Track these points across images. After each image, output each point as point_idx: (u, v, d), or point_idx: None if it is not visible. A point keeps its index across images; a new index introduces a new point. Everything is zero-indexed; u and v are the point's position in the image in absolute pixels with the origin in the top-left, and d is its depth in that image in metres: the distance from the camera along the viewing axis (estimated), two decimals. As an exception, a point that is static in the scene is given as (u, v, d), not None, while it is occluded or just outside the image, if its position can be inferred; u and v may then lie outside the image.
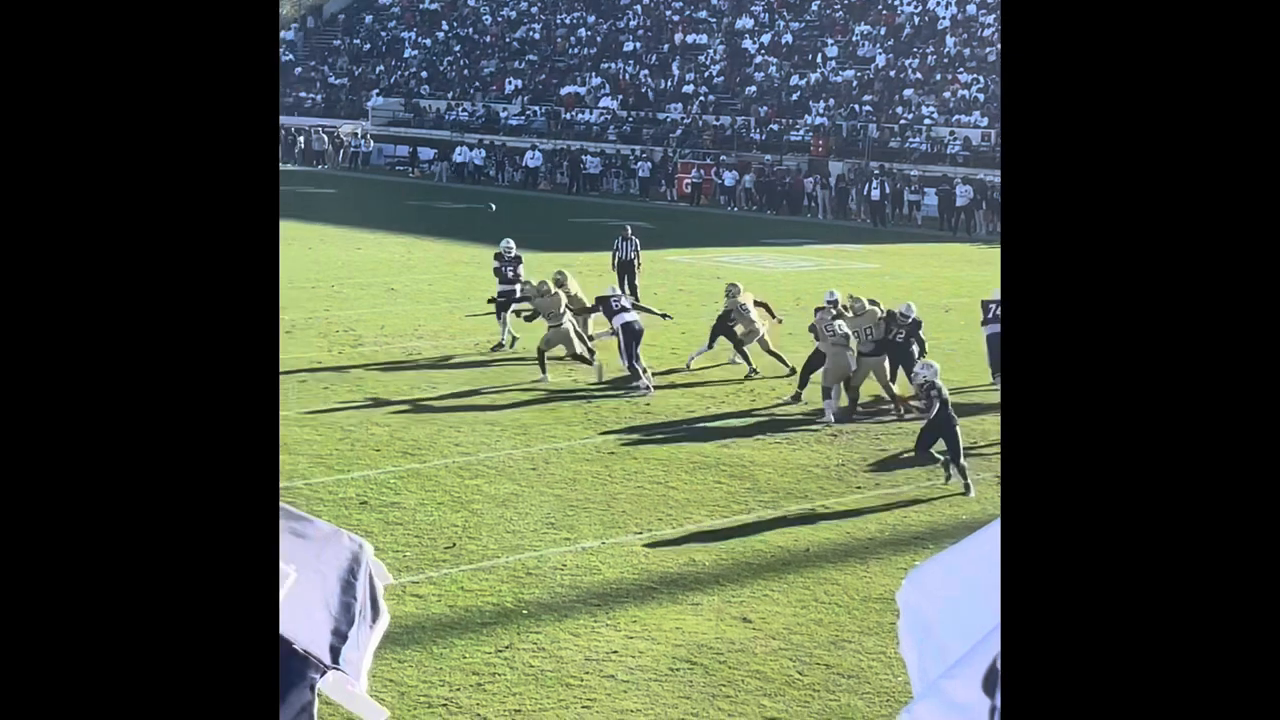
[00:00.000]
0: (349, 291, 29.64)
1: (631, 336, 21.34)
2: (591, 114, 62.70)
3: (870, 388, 20.68)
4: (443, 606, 12.97)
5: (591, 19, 70.93)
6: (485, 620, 12.74)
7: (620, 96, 63.14)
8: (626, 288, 28.88)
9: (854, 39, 60.92)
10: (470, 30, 75.21)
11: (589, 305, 23.02)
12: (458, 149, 60.59)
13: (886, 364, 20.21)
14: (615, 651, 12.00)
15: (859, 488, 16.88)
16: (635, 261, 28.97)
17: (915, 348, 20.33)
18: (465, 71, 70.94)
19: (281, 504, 4.66)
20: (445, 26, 76.45)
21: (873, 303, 20.56)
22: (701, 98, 60.79)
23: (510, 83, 68.02)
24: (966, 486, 16.50)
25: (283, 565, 4.17)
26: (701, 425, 19.61)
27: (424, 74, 72.23)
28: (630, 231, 29.37)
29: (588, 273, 32.81)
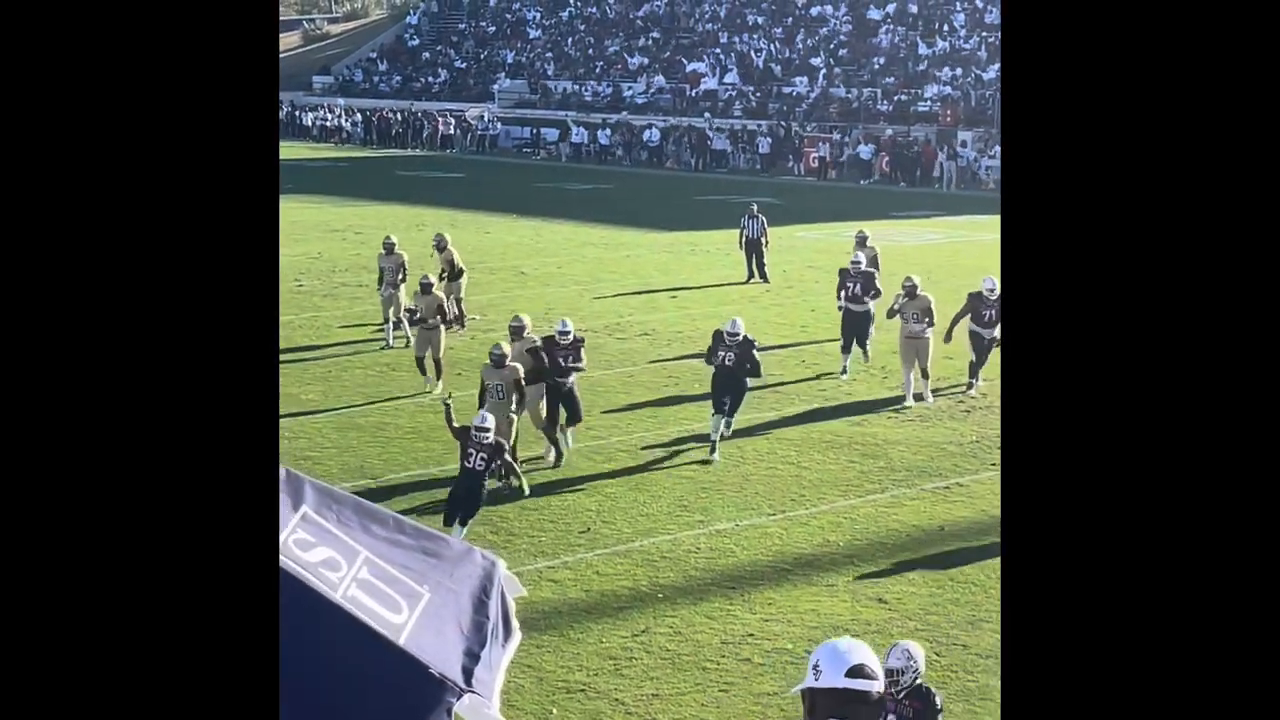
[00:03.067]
0: (479, 276, 29.88)
1: (558, 399, 17.27)
2: (717, 89, 62.53)
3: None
4: (578, 591, 13.09)
5: (715, -7, 70.72)
6: (621, 604, 12.83)
7: (745, 71, 62.88)
8: (755, 267, 28.77)
9: (980, 5, 60.04)
10: (594, 9, 75.34)
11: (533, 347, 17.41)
12: (575, 129, 60.74)
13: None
14: (751, 634, 12.03)
15: (994, 464, 16.71)
16: (763, 240, 28.84)
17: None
18: (590, 50, 71.09)
19: (416, 524, 4.74)
20: (570, 5, 76.65)
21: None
22: (827, 69, 60.34)
23: (634, 60, 68.04)
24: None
25: (416, 586, 4.24)
26: (834, 404, 19.54)
27: (549, 54, 72.50)
28: (756, 209, 29.24)
29: (715, 251, 32.79)
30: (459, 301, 24.32)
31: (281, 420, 18.76)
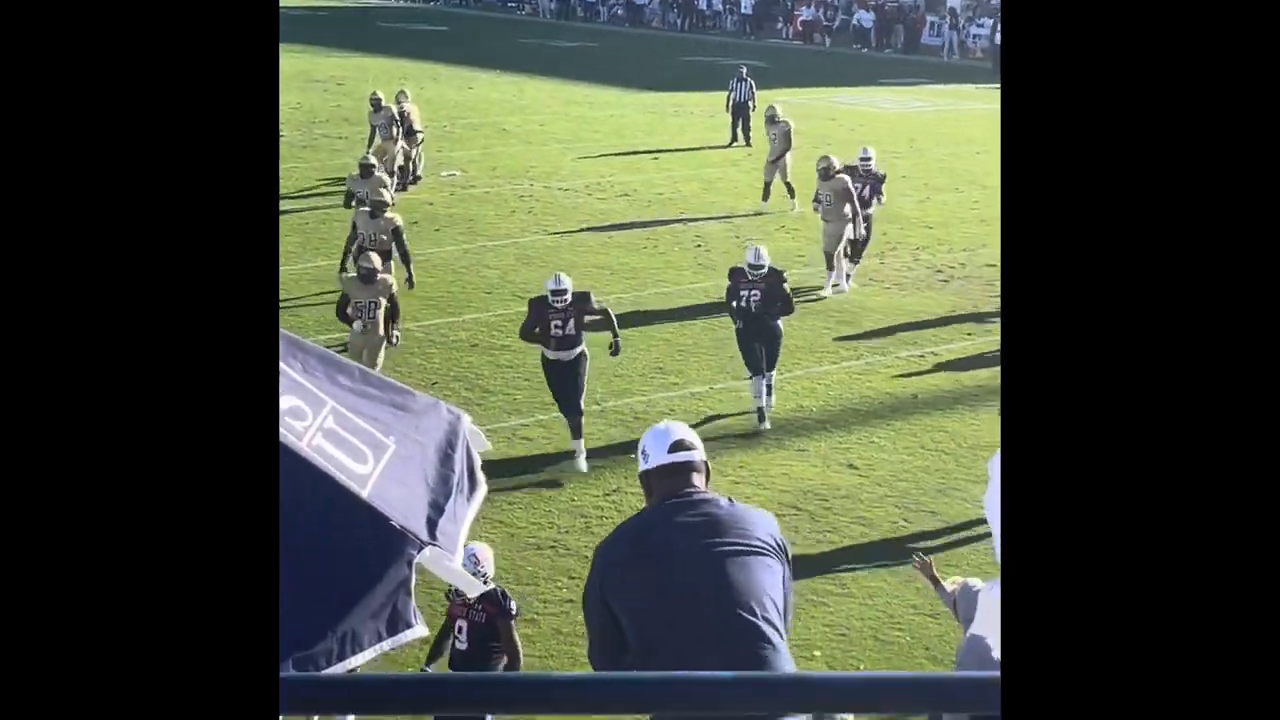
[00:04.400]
0: (460, 132, 29.65)
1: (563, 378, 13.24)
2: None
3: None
4: (552, 449, 13.16)
5: None
6: (593, 464, 12.91)
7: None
8: (739, 130, 28.53)
9: None
10: None
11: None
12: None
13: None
14: (721, 497, 12.12)
15: (969, 334, 16.75)
16: (750, 104, 28.53)
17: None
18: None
19: (381, 376, 4.72)
20: None
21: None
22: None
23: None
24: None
25: (382, 437, 4.23)
26: (812, 270, 19.53)
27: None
28: (745, 72, 28.91)
29: (699, 113, 32.51)
30: (415, 161, 24.08)
31: (258, 271, 18.66)
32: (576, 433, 12.90)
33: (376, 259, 14.48)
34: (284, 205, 22.61)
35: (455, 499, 4.19)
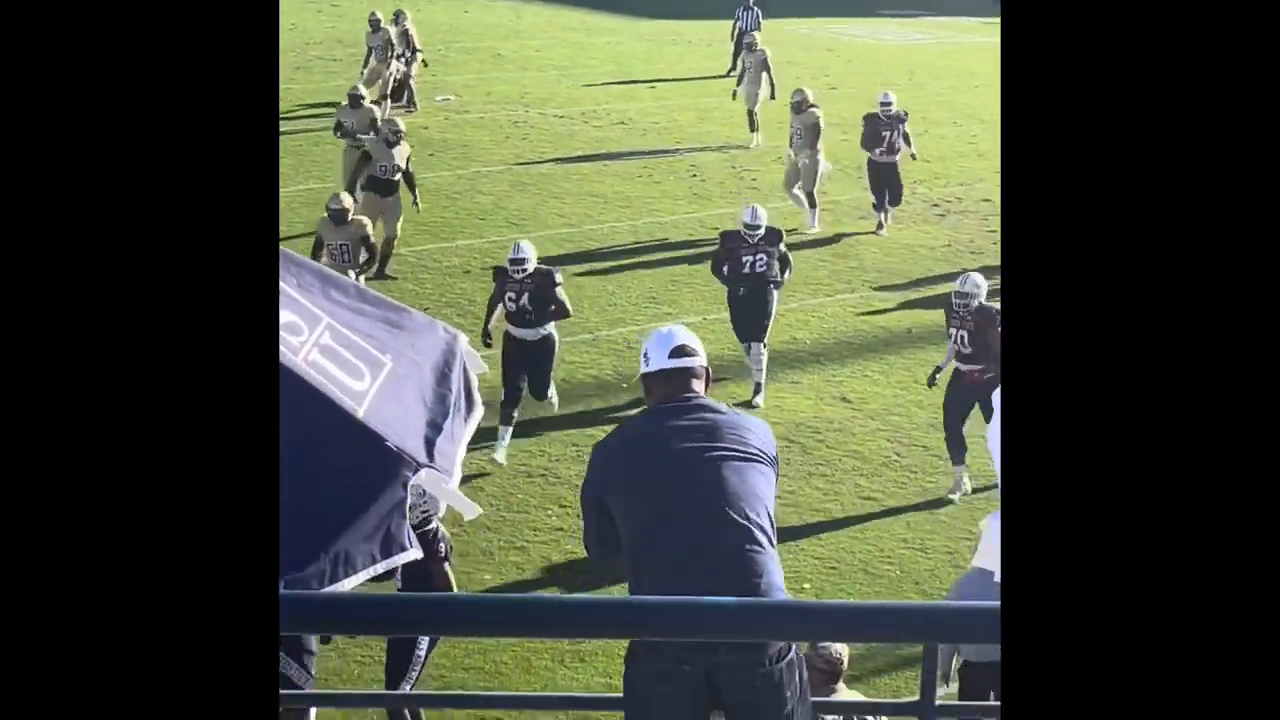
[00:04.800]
0: (455, 56, 29.37)
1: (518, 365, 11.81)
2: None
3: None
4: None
5: None
6: (585, 393, 12.86)
7: None
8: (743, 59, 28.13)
9: None
10: None
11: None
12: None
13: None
14: (713, 427, 12.07)
15: (964, 269, 16.66)
16: (755, 33, 28.17)
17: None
18: None
19: (378, 294, 4.63)
20: None
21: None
22: None
23: None
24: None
25: (379, 355, 4.14)
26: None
27: None
28: (752, 0, 28.54)
29: (697, 42, 32.23)
30: (408, 78, 23.84)
31: (250, 193, 18.52)
32: (506, 419, 11.44)
33: (347, 199, 14.13)
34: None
35: (453, 419, 4.11)
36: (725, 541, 4.20)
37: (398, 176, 15.79)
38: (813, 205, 17.90)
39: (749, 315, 12.71)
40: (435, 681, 7.90)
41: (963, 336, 11.12)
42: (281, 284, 4.17)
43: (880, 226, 17.91)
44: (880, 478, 11.36)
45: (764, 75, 22.22)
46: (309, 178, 19.57)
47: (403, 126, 16.31)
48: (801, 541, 10.31)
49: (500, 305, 11.68)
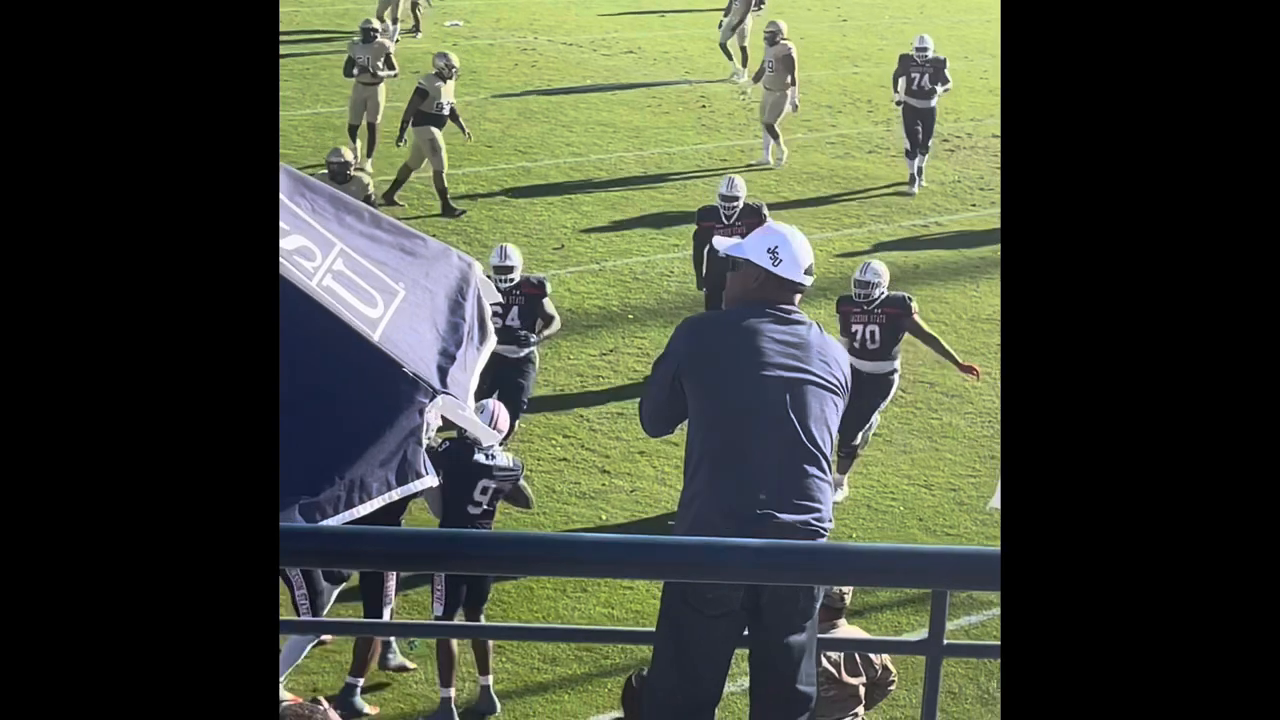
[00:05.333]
0: (465, -19, 29.13)
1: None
2: None
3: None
4: (550, 308, 13.06)
5: None
6: (591, 323, 12.83)
7: None
8: None
9: None
10: None
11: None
12: None
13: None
14: (719, 360, 12.06)
15: (974, 205, 16.59)
16: None
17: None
18: None
19: (392, 220, 4.58)
20: None
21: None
22: None
23: None
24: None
25: (392, 283, 4.11)
26: (818, 136, 19.28)
27: None
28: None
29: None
30: (415, 6, 23.63)
31: (256, 116, 18.42)
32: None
33: (347, 152, 13.59)
34: (283, 49, 22.24)
35: (466, 347, 4.08)
36: (792, 465, 4.21)
37: (447, 110, 15.41)
38: (774, 137, 17.62)
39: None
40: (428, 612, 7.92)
41: (872, 332, 10.03)
42: (295, 208, 4.13)
43: (913, 181, 17.04)
44: (885, 413, 11.34)
45: (749, 14, 21.78)
46: (316, 101, 19.46)
47: (455, 61, 15.97)
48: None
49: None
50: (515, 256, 10.15)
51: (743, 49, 21.78)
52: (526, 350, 10.15)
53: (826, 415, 4.29)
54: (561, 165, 17.19)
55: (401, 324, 3.92)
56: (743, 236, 10.53)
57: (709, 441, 4.30)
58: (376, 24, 17.41)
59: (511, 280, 9.98)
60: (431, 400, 3.74)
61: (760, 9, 21.91)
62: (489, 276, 10.24)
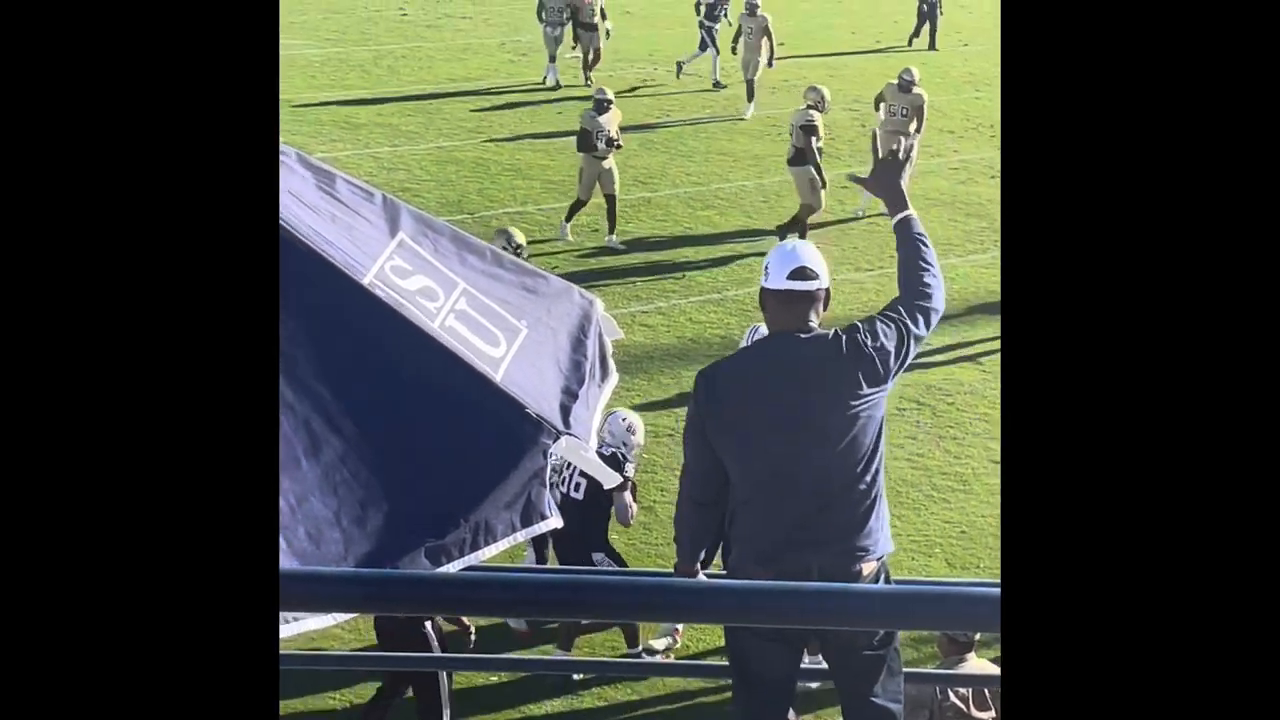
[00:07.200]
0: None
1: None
2: None
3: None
4: (671, 337, 13.06)
5: None
6: (712, 352, 12.79)
7: None
8: (928, 32, 27.22)
9: None
10: None
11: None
12: None
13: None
14: (842, 389, 11.98)
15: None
16: (939, 5, 27.09)
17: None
18: None
19: (514, 259, 4.59)
20: None
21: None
22: None
23: None
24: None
25: (515, 321, 4.11)
26: (939, 161, 19.11)
27: None
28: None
29: (827, 1, 31.90)
30: (595, 52, 23.15)
31: (380, 151, 18.70)
32: None
33: (519, 234, 11.89)
34: (407, 86, 22.55)
35: (588, 385, 4.07)
36: (823, 503, 4.19)
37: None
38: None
39: None
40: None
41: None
42: (418, 248, 4.15)
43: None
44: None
45: (764, 41, 21.42)
46: (439, 135, 19.67)
47: (610, 94, 16.00)
48: (932, 506, 10.19)
49: None
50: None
51: (749, 83, 21.58)
52: None
53: (861, 432, 4.19)
54: (682, 195, 17.20)
55: (524, 363, 3.92)
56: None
57: (739, 492, 4.30)
58: (609, 93, 16.24)
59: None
60: (555, 441, 3.73)
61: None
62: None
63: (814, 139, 15.42)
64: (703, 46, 23.43)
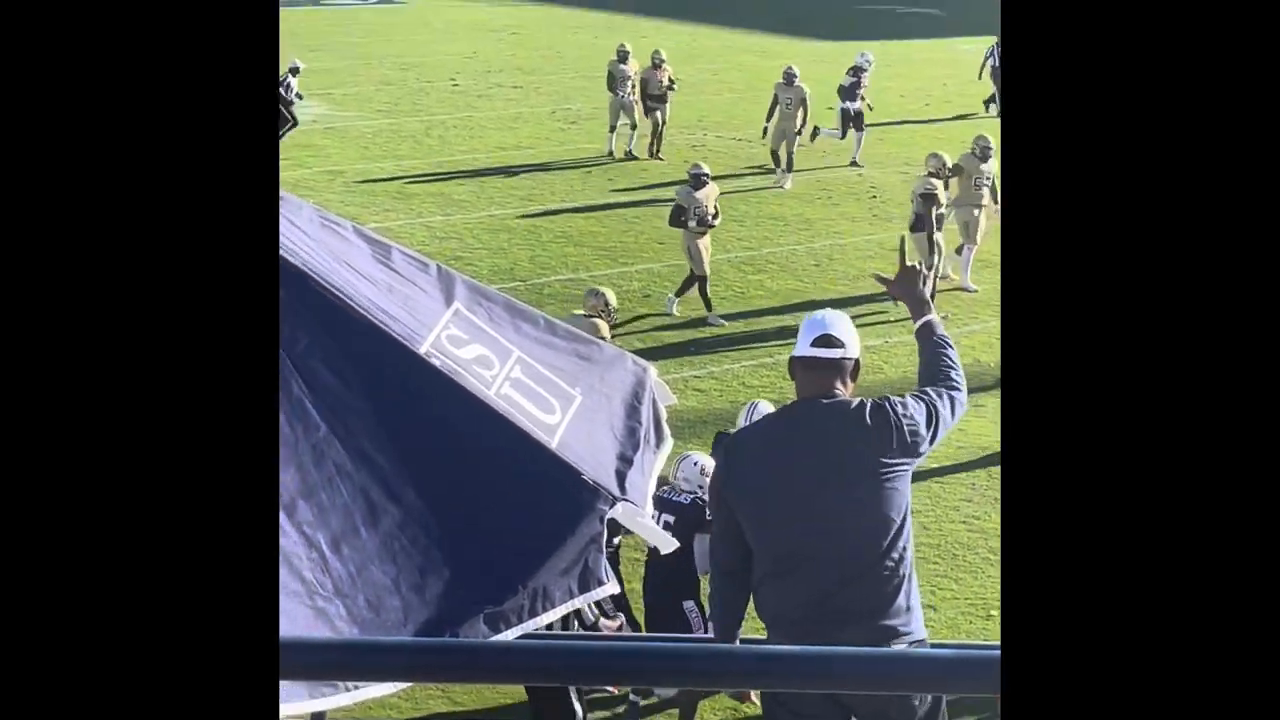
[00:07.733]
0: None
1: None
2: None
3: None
4: (724, 401, 13.06)
5: None
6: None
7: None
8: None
9: None
10: None
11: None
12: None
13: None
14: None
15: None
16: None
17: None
18: None
19: (567, 326, 4.64)
20: None
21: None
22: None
23: None
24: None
25: (569, 388, 4.15)
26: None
27: None
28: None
29: (875, 64, 32.00)
30: (658, 131, 22.97)
31: (433, 220, 18.86)
32: None
33: (611, 295, 12.13)
34: (459, 155, 22.76)
35: (643, 451, 4.10)
36: (844, 577, 4.17)
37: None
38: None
39: None
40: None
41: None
42: (472, 316, 4.21)
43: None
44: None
45: (800, 112, 21.24)
46: (490, 204, 19.83)
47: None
48: (989, 569, 10.11)
49: None
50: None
51: (782, 153, 21.40)
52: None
53: (885, 507, 4.17)
54: (733, 259, 17.25)
55: (579, 430, 3.95)
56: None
57: (760, 564, 4.29)
58: (705, 168, 16.09)
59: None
60: (611, 507, 3.76)
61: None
62: None
63: (935, 207, 15.43)
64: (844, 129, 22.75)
